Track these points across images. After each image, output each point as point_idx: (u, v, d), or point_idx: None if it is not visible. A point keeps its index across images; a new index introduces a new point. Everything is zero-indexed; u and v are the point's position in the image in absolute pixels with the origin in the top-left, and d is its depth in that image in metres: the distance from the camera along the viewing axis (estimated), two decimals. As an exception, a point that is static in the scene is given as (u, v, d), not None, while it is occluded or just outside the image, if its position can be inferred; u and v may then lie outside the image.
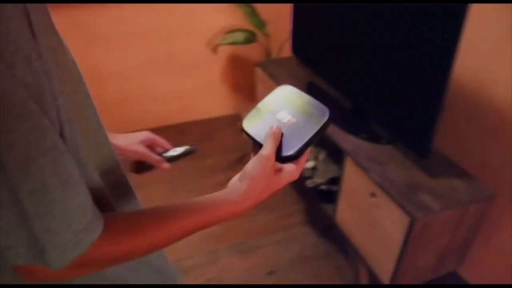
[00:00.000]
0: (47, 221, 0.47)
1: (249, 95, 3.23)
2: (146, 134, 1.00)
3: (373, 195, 1.66)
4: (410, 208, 1.49)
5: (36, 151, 0.44)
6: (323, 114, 0.71)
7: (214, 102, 3.27)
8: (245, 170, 0.67)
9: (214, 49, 2.96)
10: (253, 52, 3.06)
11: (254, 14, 2.77)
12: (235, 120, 3.26)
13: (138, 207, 0.80)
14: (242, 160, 2.93)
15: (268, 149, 0.67)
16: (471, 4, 1.29)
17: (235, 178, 0.69)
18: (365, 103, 1.88)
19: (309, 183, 2.07)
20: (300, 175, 0.71)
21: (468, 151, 1.85)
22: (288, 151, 0.69)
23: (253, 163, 0.67)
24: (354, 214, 1.84)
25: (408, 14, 1.53)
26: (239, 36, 2.81)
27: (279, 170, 0.68)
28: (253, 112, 0.78)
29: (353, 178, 1.78)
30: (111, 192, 0.67)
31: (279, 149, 0.69)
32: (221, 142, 3.07)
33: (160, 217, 0.60)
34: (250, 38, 2.83)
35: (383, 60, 1.70)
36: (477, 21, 1.66)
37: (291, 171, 0.69)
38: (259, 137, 0.72)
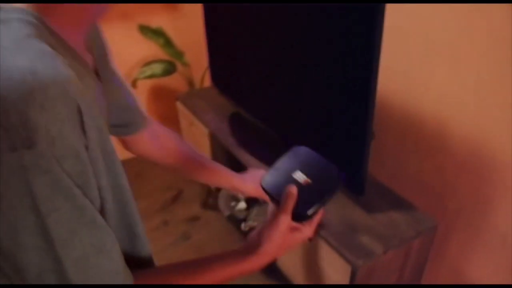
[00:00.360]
0: (87, 285, 0.53)
1: (177, 128, 3.02)
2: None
3: (309, 239, 1.49)
4: (350, 255, 1.33)
5: (77, 226, 0.51)
6: (336, 176, 0.80)
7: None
8: (263, 228, 0.74)
9: (133, 84, 2.74)
10: (174, 83, 2.86)
11: (169, 45, 2.58)
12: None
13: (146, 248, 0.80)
14: (177, 199, 2.74)
15: (285, 210, 0.73)
16: (382, 29, 1.15)
17: (254, 233, 0.76)
18: (291, 134, 1.71)
19: (245, 227, 1.89)
20: (313, 233, 0.79)
21: (404, 175, 1.73)
22: (303, 211, 0.75)
23: (271, 224, 0.73)
24: (296, 259, 1.66)
25: (325, 40, 1.38)
26: (157, 68, 2.61)
27: (294, 229, 0.75)
28: (271, 171, 0.84)
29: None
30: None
31: (294, 208, 0.74)
32: (155, 181, 2.86)
33: (186, 275, 0.68)
34: (169, 69, 2.64)
35: (305, 87, 1.54)
36: (396, 39, 1.54)
37: (305, 230, 0.77)
38: (277, 195, 0.77)
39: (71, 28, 0.57)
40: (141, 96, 2.86)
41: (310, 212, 0.75)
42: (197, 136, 2.21)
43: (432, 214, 1.61)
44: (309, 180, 0.78)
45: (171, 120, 2.88)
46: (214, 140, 2.04)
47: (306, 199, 0.75)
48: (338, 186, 0.79)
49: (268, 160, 1.71)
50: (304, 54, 1.48)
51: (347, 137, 1.44)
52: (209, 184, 1.53)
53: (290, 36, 1.51)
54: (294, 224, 0.75)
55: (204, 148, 2.19)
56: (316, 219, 0.78)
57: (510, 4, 1.19)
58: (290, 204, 0.74)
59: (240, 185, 1.14)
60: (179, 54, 2.61)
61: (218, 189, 2.22)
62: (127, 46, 2.60)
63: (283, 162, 0.85)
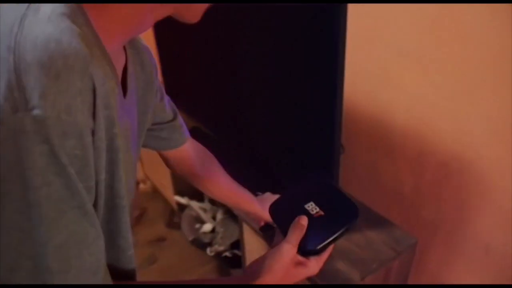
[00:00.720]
0: (64, 279, 0.49)
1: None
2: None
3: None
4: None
5: (66, 207, 0.47)
6: (352, 213, 0.73)
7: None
8: (264, 258, 0.68)
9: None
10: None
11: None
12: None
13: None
14: (141, 219, 2.59)
15: (291, 241, 0.68)
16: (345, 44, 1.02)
17: (253, 263, 0.69)
18: (255, 151, 1.58)
19: (210, 251, 1.75)
20: (319, 271, 0.71)
21: (379, 188, 1.61)
22: (311, 246, 0.69)
23: (274, 254, 0.67)
24: None
25: (285, 46, 1.25)
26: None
27: (299, 264, 0.69)
28: (282, 197, 0.80)
29: (254, 245, 1.47)
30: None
31: (302, 240, 0.68)
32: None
33: None
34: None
35: (266, 101, 1.41)
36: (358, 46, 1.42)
37: (311, 266, 0.69)
38: (284, 225, 0.71)
39: (110, 29, 0.55)
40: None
41: (319, 247, 0.69)
42: (155, 156, 2.05)
43: (410, 226, 1.51)
44: (322, 213, 0.73)
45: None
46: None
47: (317, 232, 0.70)
48: (353, 222, 0.72)
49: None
50: (263, 62, 1.35)
51: (314, 151, 1.31)
52: (232, 207, 1.47)
53: (248, 43, 1.37)
54: (300, 258, 0.69)
55: (162, 171, 2.04)
56: (325, 255, 0.71)
57: (480, 4, 1.08)
58: (298, 235, 0.69)
59: (259, 210, 1.10)
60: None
61: (182, 209, 2.07)
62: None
63: (296, 190, 0.80)
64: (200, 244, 1.79)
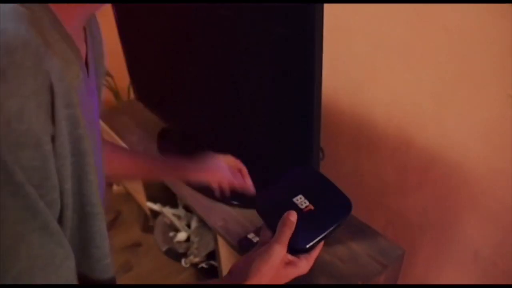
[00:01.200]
0: None
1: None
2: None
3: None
4: (307, 306, 1.11)
5: (26, 230, 0.42)
6: (344, 207, 0.68)
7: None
8: (252, 259, 0.62)
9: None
10: (99, 94, 2.56)
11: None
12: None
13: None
14: (115, 222, 2.48)
15: (280, 240, 0.62)
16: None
17: (242, 261, 0.64)
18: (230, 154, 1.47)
19: (185, 263, 1.64)
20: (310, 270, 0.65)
21: (362, 194, 1.53)
22: (301, 244, 0.64)
23: (262, 255, 0.61)
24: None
25: (259, 45, 1.14)
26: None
27: (289, 264, 0.63)
28: (268, 191, 0.73)
29: (230, 257, 1.38)
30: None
31: (292, 238, 0.63)
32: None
33: None
34: (90, 81, 2.33)
35: (241, 99, 1.30)
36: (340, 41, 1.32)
37: (301, 265, 0.64)
38: (271, 221, 0.66)
39: (69, 12, 0.49)
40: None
41: (309, 245, 0.64)
42: (124, 158, 1.93)
43: (396, 231, 1.43)
44: (312, 207, 0.67)
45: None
46: (142, 165, 1.76)
47: (307, 229, 0.65)
48: (345, 218, 0.67)
49: (204, 188, 1.47)
50: (236, 60, 1.24)
51: (292, 157, 1.21)
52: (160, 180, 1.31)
53: (221, 41, 1.26)
54: (290, 257, 0.64)
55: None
56: (315, 253, 0.66)
57: (463, 4, 1.00)
58: (287, 233, 0.63)
59: (198, 176, 1.03)
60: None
61: (155, 215, 1.96)
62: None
63: (283, 183, 0.73)
64: (174, 254, 1.68)
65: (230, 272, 0.65)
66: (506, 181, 1.12)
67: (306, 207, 0.67)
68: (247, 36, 1.13)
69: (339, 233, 1.27)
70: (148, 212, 1.99)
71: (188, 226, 1.73)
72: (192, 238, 1.66)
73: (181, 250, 1.67)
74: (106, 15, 2.33)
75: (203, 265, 1.60)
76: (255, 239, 1.25)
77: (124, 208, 2.55)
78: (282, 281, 0.64)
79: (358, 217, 1.35)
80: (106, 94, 2.52)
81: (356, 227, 1.31)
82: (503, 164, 1.11)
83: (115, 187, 2.65)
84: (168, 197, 1.73)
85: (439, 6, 1.08)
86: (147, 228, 2.33)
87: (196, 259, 1.60)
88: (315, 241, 0.64)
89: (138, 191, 2.01)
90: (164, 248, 1.70)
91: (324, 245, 1.21)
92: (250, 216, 1.35)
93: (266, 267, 0.61)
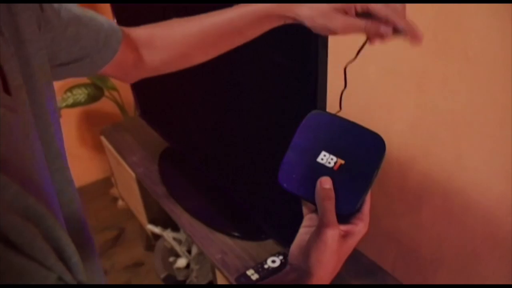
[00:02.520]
0: None
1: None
2: None
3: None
4: None
5: None
6: (377, 144, 0.57)
7: (77, 170, 2.68)
8: (308, 250, 0.55)
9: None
10: (105, 109, 2.51)
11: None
12: (106, 185, 2.71)
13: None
14: (118, 239, 2.42)
15: (328, 221, 0.54)
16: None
17: (296, 252, 0.58)
18: (229, 177, 1.39)
19: (184, 292, 1.57)
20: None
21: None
22: (348, 207, 0.55)
23: (317, 245, 0.54)
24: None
25: (263, 72, 1.06)
26: (81, 95, 2.24)
27: (345, 237, 0.56)
28: (286, 160, 0.60)
29: (230, 292, 1.30)
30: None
31: (335, 205, 0.54)
32: (92, 219, 2.51)
33: None
34: (96, 95, 2.27)
35: (244, 123, 1.23)
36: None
37: (358, 230, 0.56)
38: (306, 194, 0.57)
39: None
40: (67, 128, 2.49)
41: (357, 206, 0.56)
42: (126, 178, 1.86)
43: (408, 270, 1.33)
44: (342, 161, 0.57)
45: (104, 156, 2.51)
46: (142, 187, 1.69)
47: (347, 188, 0.56)
48: (382, 158, 0.57)
49: (204, 216, 1.39)
50: (240, 80, 1.16)
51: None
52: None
53: (223, 63, 1.19)
54: (343, 228, 0.56)
55: (133, 195, 1.85)
56: (366, 208, 0.58)
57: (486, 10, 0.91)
58: (330, 207, 0.55)
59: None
60: (102, 78, 2.25)
61: (156, 238, 1.89)
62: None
63: (299, 145, 0.61)
64: (173, 282, 1.60)
65: (290, 264, 0.59)
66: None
67: (335, 163, 0.57)
68: (251, 60, 1.06)
69: (345, 273, 1.18)
70: (150, 235, 1.92)
71: (189, 251, 1.65)
72: (192, 265, 1.58)
73: (180, 278, 1.59)
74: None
75: (202, 295, 1.53)
76: (254, 277, 1.17)
77: (128, 225, 2.49)
78: (347, 254, 0.58)
79: (367, 251, 1.26)
80: (112, 109, 2.46)
81: (363, 266, 1.22)
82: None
83: (120, 202, 2.59)
84: (170, 220, 1.66)
85: (461, 33, 0.99)
86: (151, 247, 2.26)
87: (195, 289, 1.52)
88: (362, 198, 0.56)
89: (139, 212, 1.94)
90: (162, 275, 1.63)
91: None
92: (250, 250, 1.27)
93: (326, 256, 0.55)
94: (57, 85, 2.03)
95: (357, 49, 0.72)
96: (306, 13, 0.67)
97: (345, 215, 0.56)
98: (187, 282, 1.57)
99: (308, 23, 0.68)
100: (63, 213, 0.58)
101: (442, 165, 1.18)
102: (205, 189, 1.51)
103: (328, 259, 0.55)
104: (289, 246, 0.62)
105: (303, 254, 0.57)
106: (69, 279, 0.41)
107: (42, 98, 0.56)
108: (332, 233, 0.54)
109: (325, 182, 0.56)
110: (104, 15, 0.76)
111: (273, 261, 1.22)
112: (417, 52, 1.11)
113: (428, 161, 1.20)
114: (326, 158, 0.58)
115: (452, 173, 1.16)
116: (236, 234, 1.32)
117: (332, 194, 0.56)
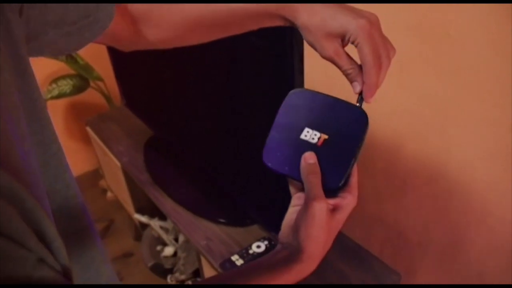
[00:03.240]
0: None
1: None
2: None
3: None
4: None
5: None
6: (359, 118, 0.57)
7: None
8: (297, 226, 0.55)
9: (42, 105, 2.33)
10: (92, 100, 2.48)
11: (73, 60, 2.18)
12: (95, 177, 2.69)
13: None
14: (108, 231, 2.40)
15: (314, 194, 0.53)
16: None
17: (286, 230, 0.57)
18: (215, 164, 1.38)
19: (171, 279, 1.55)
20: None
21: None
22: (334, 182, 0.55)
23: (305, 219, 0.54)
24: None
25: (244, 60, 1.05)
26: (66, 86, 2.21)
27: (334, 209, 0.55)
28: (270, 139, 0.60)
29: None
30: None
31: (322, 180, 0.54)
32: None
33: None
34: (81, 86, 2.25)
35: (228, 111, 1.21)
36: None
37: (347, 202, 0.56)
38: (291, 172, 0.57)
39: None
40: (53, 120, 2.45)
41: (343, 180, 0.55)
42: (112, 168, 1.85)
43: (395, 252, 1.33)
44: (325, 136, 0.57)
45: (92, 147, 2.48)
46: (128, 176, 1.68)
47: (332, 163, 0.56)
48: (366, 130, 0.57)
49: (189, 203, 1.38)
50: (222, 71, 1.15)
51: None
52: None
53: (204, 49, 1.17)
54: (332, 201, 0.55)
55: (120, 184, 1.84)
56: (354, 180, 0.57)
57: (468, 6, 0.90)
58: (316, 181, 0.54)
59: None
60: (87, 69, 2.22)
61: (144, 227, 1.88)
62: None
63: (281, 124, 0.60)
64: (160, 270, 1.59)
65: (280, 243, 0.58)
66: (513, 203, 1.03)
67: (319, 139, 0.57)
68: (231, 45, 1.04)
69: (329, 255, 1.17)
70: (138, 224, 1.91)
71: (176, 239, 1.64)
72: (179, 253, 1.57)
73: (167, 266, 1.59)
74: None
75: (189, 282, 1.52)
76: (239, 262, 1.16)
77: (117, 216, 2.48)
78: (338, 228, 0.57)
79: (354, 235, 1.25)
80: (98, 99, 2.44)
81: (349, 249, 1.21)
82: (510, 185, 1.01)
83: (109, 194, 2.58)
84: (156, 209, 1.65)
85: (442, 12, 0.98)
86: (140, 237, 2.26)
87: (182, 277, 1.51)
88: (347, 172, 0.55)
89: (126, 201, 1.93)
90: (150, 264, 1.62)
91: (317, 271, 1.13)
92: (235, 235, 1.27)
93: (315, 230, 0.54)
94: (42, 76, 2.00)
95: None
96: (303, 23, 0.62)
97: (332, 189, 0.56)
98: (174, 270, 1.56)
99: (301, 32, 0.63)
100: (59, 199, 0.58)
101: (427, 148, 1.17)
102: (190, 176, 1.50)
103: (318, 233, 0.55)
104: (274, 231, 0.62)
105: (293, 230, 0.57)
106: (51, 261, 0.39)
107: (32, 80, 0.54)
108: (320, 206, 0.54)
109: (309, 157, 0.56)
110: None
111: (258, 246, 1.21)
112: (398, 33, 1.09)
113: (413, 144, 1.19)
114: (309, 135, 0.58)
115: (438, 155, 1.15)
116: (221, 220, 1.31)
117: (317, 168, 0.56)
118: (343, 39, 0.58)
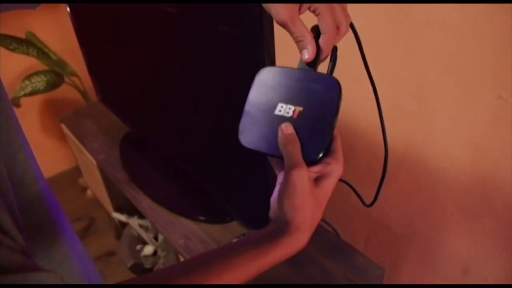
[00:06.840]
0: None
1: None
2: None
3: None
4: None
5: None
6: (330, 85, 0.55)
7: (43, 162, 2.58)
8: (281, 199, 0.53)
9: (15, 104, 2.26)
10: (67, 96, 2.41)
11: (45, 55, 2.11)
12: (74, 175, 2.63)
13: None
14: (89, 229, 2.36)
15: (292, 163, 0.52)
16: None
17: (274, 207, 0.55)
18: (192, 161, 1.34)
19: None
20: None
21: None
22: (314, 151, 0.53)
23: (287, 190, 0.52)
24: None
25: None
26: (39, 82, 2.14)
27: (319, 178, 0.54)
28: (244, 120, 0.59)
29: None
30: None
31: (302, 152, 0.53)
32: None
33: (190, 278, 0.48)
34: (55, 82, 2.18)
35: (205, 107, 1.17)
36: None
37: (333, 169, 0.54)
38: (270, 149, 0.55)
39: None
40: (28, 118, 2.40)
41: (323, 149, 0.54)
42: (89, 166, 1.79)
43: (380, 245, 1.30)
44: (300, 108, 0.56)
45: (68, 145, 2.41)
46: (105, 174, 1.63)
47: (309, 134, 0.54)
48: (339, 97, 0.55)
49: (166, 201, 1.34)
50: (195, 59, 1.10)
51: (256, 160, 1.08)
52: None
53: (176, 39, 1.12)
54: (315, 169, 0.54)
55: (97, 182, 1.79)
56: (338, 146, 0.55)
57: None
58: (295, 150, 0.53)
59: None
60: (60, 64, 2.15)
61: (123, 226, 1.83)
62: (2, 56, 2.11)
63: (254, 103, 0.59)
64: (140, 270, 1.55)
65: (270, 219, 0.57)
66: (497, 192, 1.00)
67: (293, 112, 0.56)
68: (197, 34, 1.00)
69: (312, 250, 1.14)
70: (117, 223, 1.86)
71: (156, 238, 1.60)
72: (159, 252, 1.53)
73: (147, 265, 1.54)
74: (63, 16, 2.19)
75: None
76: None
77: (98, 215, 2.43)
78: (326, 197, 0.55)
79: (338, 228, 1.22)
80: (74, 96, 2.37)
81: (330, 242, 1.18)
82: (493, 173, 0.99)
83: (89, 192, 2.52)
84: (135, 207, 1.61)
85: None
86: (121, 235, 2.21)
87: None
88: (326, 140, 0.54)
89: (105, 200, 1.88)
90: (129, 264, 1.57)
91: (294, 263, 1.09)
92: (214, 233, 1.22)
93: (299, 199, 0.52)
94: (14, 73, 1.92)
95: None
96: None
97: (315, 160, 0.54)
98: (155, 269, 1.52)
99: None
100: (24, 192, 0.59)
101: (408, 136, 1.14)
102: (167, 173, 1.45)
103: (302, 202, 0.52)
104: (254, 227, 0.58)
105: (278, 204, 0.55)
106: (9, 243, 0.40)
107: None
108: (299, 174, 0.52)
109: (286, 128, 0.54)
110: None
111: (238, 244, 1.17)
112: (377, 19, 1.06)
113: (394, 132, 1.16)
114: (283, 109, 0.56)
115: (421, 147, 1.13)
116: (199, 217, 1.27)
117: (295, 138, 0.54)
118: (300, 7, 0.56)
